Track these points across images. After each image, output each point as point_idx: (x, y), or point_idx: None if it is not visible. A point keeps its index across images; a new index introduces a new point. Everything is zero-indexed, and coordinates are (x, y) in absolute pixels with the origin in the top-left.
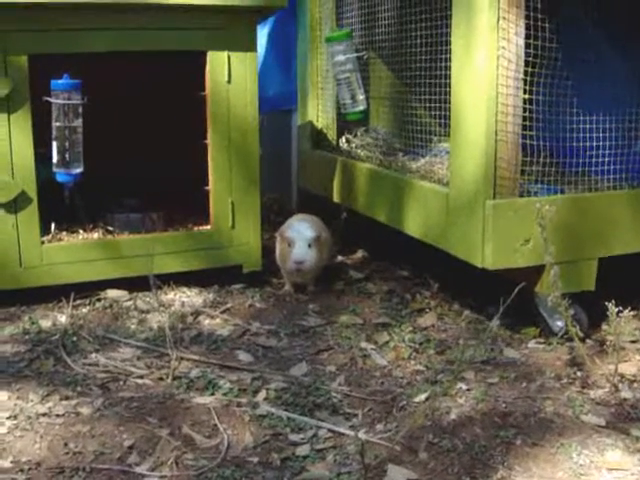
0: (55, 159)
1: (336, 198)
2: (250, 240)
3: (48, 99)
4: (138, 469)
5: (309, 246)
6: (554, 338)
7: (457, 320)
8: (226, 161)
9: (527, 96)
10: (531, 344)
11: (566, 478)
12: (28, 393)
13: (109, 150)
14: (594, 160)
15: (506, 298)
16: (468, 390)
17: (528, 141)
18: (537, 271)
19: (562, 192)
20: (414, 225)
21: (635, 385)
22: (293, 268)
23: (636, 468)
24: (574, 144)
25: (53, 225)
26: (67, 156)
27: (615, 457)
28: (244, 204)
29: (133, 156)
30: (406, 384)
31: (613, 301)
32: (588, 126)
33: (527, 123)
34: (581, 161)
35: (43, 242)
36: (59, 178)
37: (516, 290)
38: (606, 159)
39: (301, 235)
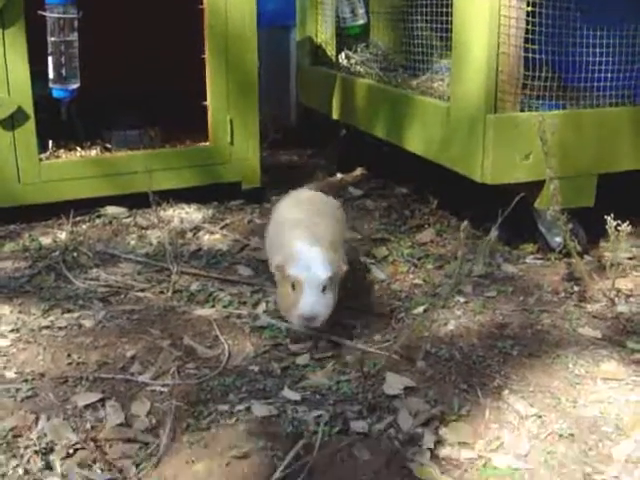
0: (51, 75)
1: (335, 115)
2: (249, 156)
3: (43, 13)
4: (141, 378)
5: (324, 289)
6: (552, 254)
7: (456, 236)
8: (224, 76)
9: (530, 9)
10: (529, 260)
11: (562, 387)
12: (30, 307)
13: (106, 66)
14: (597, 76)
15: (503, 209)
16: (466, 303)
17: (530, 55)
18: (537, 187)
19: (564, 107)
20: (414, 141)
21: (631, 299)
22: (303, 324)
23: (630, 378)
24: (577, 59)
25: (51, 142)
26: (63, 71)
27: (610, 368)
28: (242, 120)
29: (130, 72)
30: (404, 297)
31: (612, 216)
32: (592, 41)
33: (530, 36)
34: (584, 76)
35: (41, 159)
36: (55, 94)
37: (515, 201)
38: (609, 75)
39: (312, 276)
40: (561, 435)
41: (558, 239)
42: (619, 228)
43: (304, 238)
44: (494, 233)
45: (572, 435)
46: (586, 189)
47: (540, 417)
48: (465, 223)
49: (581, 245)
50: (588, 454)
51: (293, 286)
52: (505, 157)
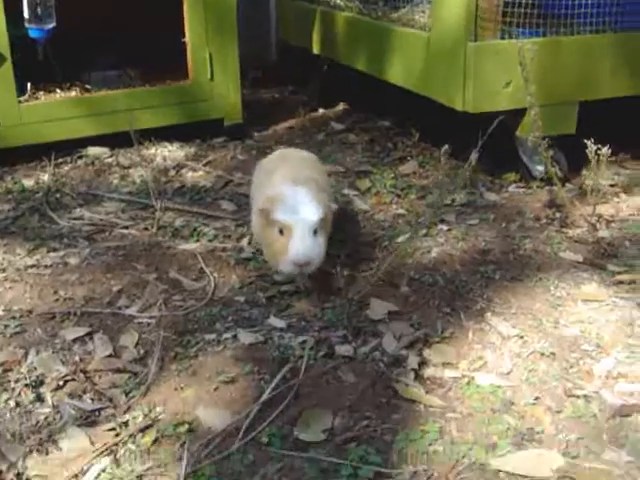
0: (26, 14)
1: (316, 49)
2: (230, 93)
3: None
4: (128, 311)
5: (314, 233)
6: (534, 182)
7: (438, 167)
8: (202, 12)
9: None
10: (511, 188)
11: (543, 309)
12: (15, 247)
13: (82, 7)
14: (577, 3)
15: (486, 140)
16: (449, 230)
17: None
18: (518, 115)
19: (544, 35)
20: (395, 72)
21: (612, 225)
22: (294, 270)
23: (610, 299)
24: None
25: (29, 85)
26: (39, 10)
27: (591, 289)
28: (222, 56)
29: (108, 12)
30: (388, 227)
31: (592, 141)
32: None
33: None
34: (564, 4)
35: (20, 102)
36: (31, 34)
37: (494, 124)
38: (589, 2)
39: (303, 219)
40: (542, 354)
41: (540, 167)
42: (599, 152)
43: (289, 179)
44: (474, 156)
45: (553, 354)
46: (567, 116)
47: (522, 337)
48: (446, 147)
49: (562, 172)
50: (569, 371)
51: (281, 231)
52: (486, 85)
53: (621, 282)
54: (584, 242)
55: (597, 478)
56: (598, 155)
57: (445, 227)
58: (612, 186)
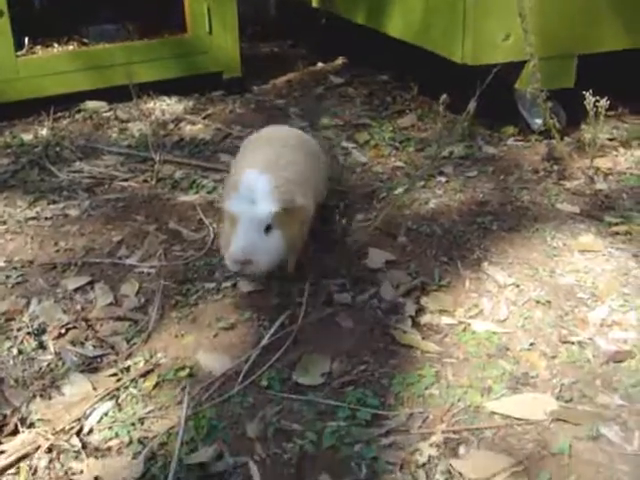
0: None
1: (315, 3)
2: (228, 46)
3: None
4: (128, 261)
5: (267, 229)
6: (532, 135)
7: (436, 120)
8: None
9: None
10: (509, 141)
11: (540, 259)
12: (15, 200)
13: None
14: None
15: (485, 94)
16: (447, 182)
17: None
18: (517, 68)
19: None
20: (394, 25)
21: (610, 177)
22: (234, 268)
23: (607, 250)
24: None
25: (27, 39)
26: None
27: (587, 240)
28: (220, 9)
29: None
30: (386, 179)
31: (590, 92)
32: None
33: None
34: None
35: (18, 56)
36: None
37: (492, 74)
38: None
39: (249, 211)
40: (538, 302)
41: (538, 120)
42: (598, 105)
43: (258, 164)
44: (472, 105)
45: (549, 302)
46: (566, 70)
47: (518, 286)
48: (444, 96)
49: (561, 125)
50: (564, 319)
51: (230, 221)
52: (485, 37)
53: (617, 233)
54: (581, 194)
55: (590, 420)
56: (597, 108)
57: (443, 179)
58: (610, 140)
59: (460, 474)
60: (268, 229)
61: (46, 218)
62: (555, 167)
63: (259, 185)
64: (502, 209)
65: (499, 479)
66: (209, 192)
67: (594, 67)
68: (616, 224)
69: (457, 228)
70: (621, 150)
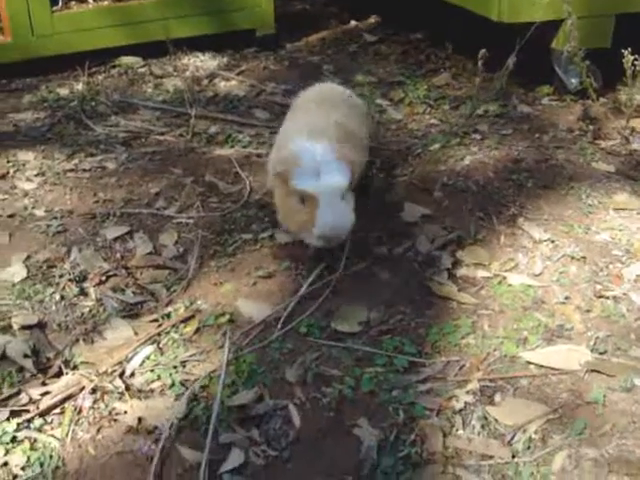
0: None
1: None
2: (263, 3)
3: None
4: (166, 212)
5: (342, 198)
6: (568, 95)
7: (472, 79)
8: None
9: None
10: (545, 101)
11: (575, 216)
12: (53, 153)
13: None
14: None
15: (521, 54)
16: (482, 140)
17: None
18: (553, 27)
19: None
20: None
21: None
22: (323, 244)
23: None
24: None
25: None
26: None
27: (622, 199)
28: None
29: None
30: (421, 136)
31: (629, 51)
32: None
33: None
34: None
35: (53, 11)
36: None
37: (529, 32)
38: None
39: (327, 186)
40: (573, 257)
41: (574, 80)
42: (635, 63)
43: (307, 131)
44: (512, 60)
45: (584, 258)
46: (603, 30)
47: (553, 242)
48: (483, 51)
49: (597, 84)
50: (599, 274)
51: (302, 199)
52: None
53: None
54: (617, 154)
55: (624, 372)
56: (634, 67)
57: (478, 136)
58: None
59: (496, 420)
60: (342, 198)
61: (84, 170)
62: (590, 127)
63: (319, 157)
64: (537, 167)
65: (534, 426)
66: (244, 146)
67: (632, 27)
68: None
69: (492, 184)
70: None
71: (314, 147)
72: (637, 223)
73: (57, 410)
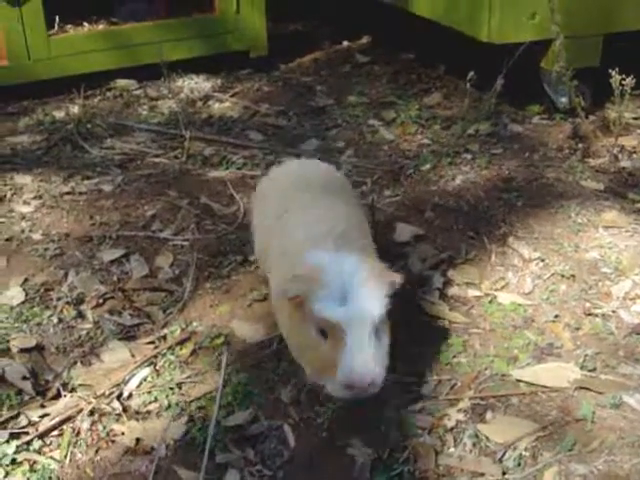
0: None
1: None
2: (256, 25)
3: None
4: (162, 234)
5: (376, 333)
6: (557, 114)
7: (463, 99)
8: None
9: None
10: (535, 120)
11: (564, 234)
12: (50, 176)
13: None
14: None
15: (511, 73)
16: (473, 159)
17: None
18: (543, 47)
19: None
20: (420, 3)
21: (634, 156)
22: (350, 395)
23: (630, 226)
24: None
25: (57, 18)
26: None
27: (611, 216)
28: None
29: None
30: (413, 156)
31: (617, 71)
32: None
33: None
34: None
35: (49, 35)
36: None
37: (518, 52)
38: None
39: (360, 315)
40: (563, 276)
41: (563, 99)
42: (623, 83)
43: (320, 235)
44: (500, 82)
45: (573, 276)
46: (591, 49)
47: (543, 260)
48: (471, 73)
49: (586, 103)
50: (588, 292)
51: (322, 332)
52: (511, 16)
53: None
54: (606, 172)
55: (612, 389)
56: (622, 86)
57: (469, 156)
58: (635, 119)
59: (487, 438)
60: (377, 331)
61: (80, 193)
62: (580, 145)
63: (348, 274)
64: (527, 186)
65: (525, 443)
66: (239, 168)
67: (620, 46)
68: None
69: (483, 204)
70: None
71: (339, 260)
72: (626, 240)
73: (56, 432)
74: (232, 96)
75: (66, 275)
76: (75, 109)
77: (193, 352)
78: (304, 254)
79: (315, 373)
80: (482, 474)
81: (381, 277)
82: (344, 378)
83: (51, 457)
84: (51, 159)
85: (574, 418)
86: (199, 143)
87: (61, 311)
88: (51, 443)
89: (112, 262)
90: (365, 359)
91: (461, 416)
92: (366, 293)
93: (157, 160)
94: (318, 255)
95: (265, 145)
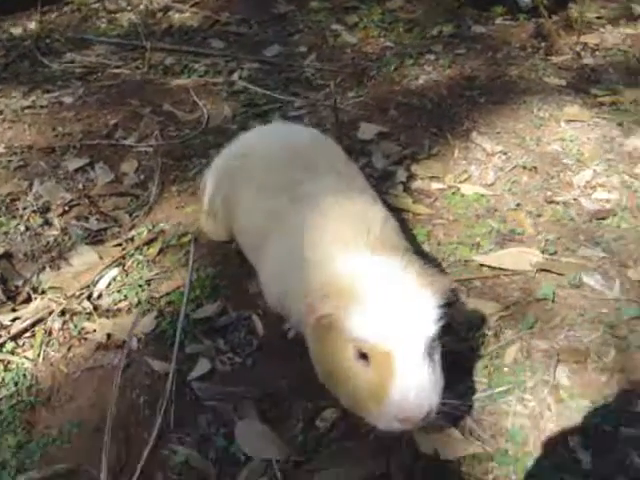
0: None
1: None
2: None
3: None
4: (126, 142)
5: (430, 354)
6: (521, 14)
7: (425, 2)
8: None
9: None
10: (498, 21)
11: (527, 129)
12: (10, 91)
13: None
14: None
15: None
16: (436, 60)
17: None
18: None
19: None
20: None
21: (597, 53)
22: (399, 428)
23: (592, 120)
24: None
25: None
26: None
27: (573, 111)
28: None
29: None
30: (376, 58)
31: None
32: None
33: None
34: None
35: None
36: None
37: None
38: None
39: (411, 336)
40: (525, 167)
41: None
42: None
43: (359, 244)
44: None
45: (535, 167)
46: None
47: (505, 153)
48: None
49: (549, 2)
50: (550, 182)
51: (364, 355)
52: None
53: (603, 104)
54: (568, 69)
55: (573, 270)
56: None
57: (432, 57)
58: (598, 18)
59: (452, 317)
60: (430, 353)
61: (42, 106)
62: (543, 44)
63: (393, 284)
64: (490, 84)
65: (488, 323)
66: (201, 76)
67: None
68: (602, 96)
69: (446, 102)
70: (608, 27)
71: (379, 267)
72: (587, 133)
73: (28, 334)
74: (192, 6)
75: (31, 185)
76: (32, 25)
77: (161, 251)
78: (335, 260)
79: (356, 405)
80: (449, 351)
81: (431, 285)
82: (397, 411)
83: (25, 357)
84: (10, 75)
85: (535, 298)
86: (160, 53)
87: (28, 220)
88: (24, 344)
89: (77, 171)
90: (420, 387)
91: None
92: (416, 306)
93: (118, 71)
94: (352, 261)
95: (227, 52)
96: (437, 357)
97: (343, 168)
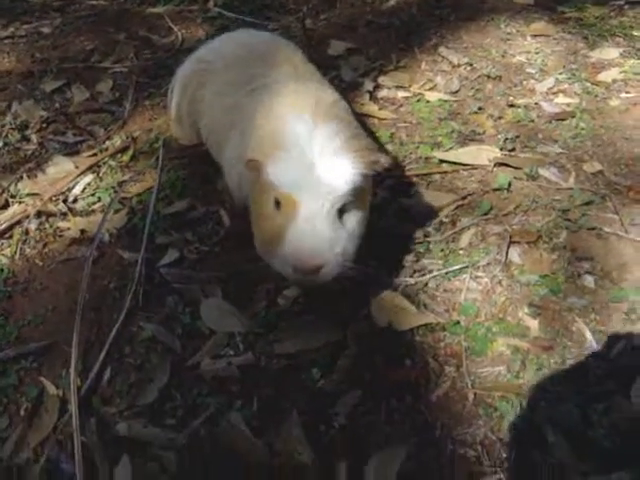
0: None
1: None
2: None
3: None
4: (101, 64)
5: (340, 213)
6: None
7: None
8: None
9: None
10: None
11: (493, 43)
12: None
13: None
14: None
15: None
16: None
17: None
18: None
19: None
20: None
21: None
22: (294, 276)
23: (558, 34)
24: None
25: None
26: None
27: (540, 26)
28: None
29: None
30: None
31: None
32: None
33: None
34: None
35: None
36: None
37: None
38: None
39: (317, 189)
40: (489, 76)
41: None
42: None
43: (297, 105)
44: None
45: (499, 76)
46: None
47: (471, 65)
48: None
49: None
50: (513, 89)
51: (278, 203)
52: None
53: (569, 19)
54: None
55: (530, 164)
56: None
57: None
58: None
59: (410, 207)
60: (341, 213)
61: (20, 36)
62: None
63: (319, 145)
64: (460, 2)
65: (445, 212)
66: (177, 5)
67: None
68: (569, 12)
69: (416, 20)
70: None
71: (311, 127)
72: (552, 47)
73: (6, 236)
74: None
75: (9, 106)
76: None
77: (133, 157)
78: (279, 123)
79: (263, 246)
80: (407, 236)
81: (359, 153)
82: (289, 254)
83: (2, 254)
84: None
85: (492, 189)
86: None
87: (6, 136)
88: (2, 244)
89: (54, 91)
90: (317, 237)
91: (386, 193)
92: (330, 165)
93: (95, 3)
94: (291, 123)
95: None
96: (353, 224)
97: (300, 65)
